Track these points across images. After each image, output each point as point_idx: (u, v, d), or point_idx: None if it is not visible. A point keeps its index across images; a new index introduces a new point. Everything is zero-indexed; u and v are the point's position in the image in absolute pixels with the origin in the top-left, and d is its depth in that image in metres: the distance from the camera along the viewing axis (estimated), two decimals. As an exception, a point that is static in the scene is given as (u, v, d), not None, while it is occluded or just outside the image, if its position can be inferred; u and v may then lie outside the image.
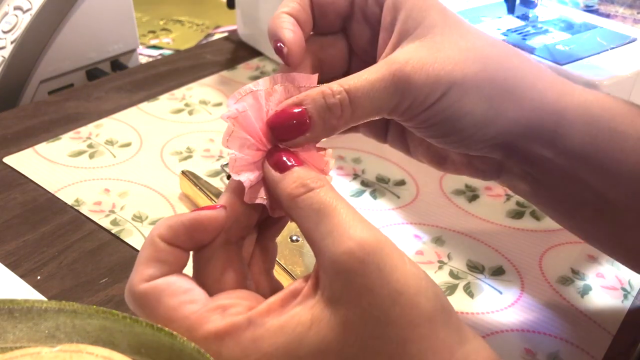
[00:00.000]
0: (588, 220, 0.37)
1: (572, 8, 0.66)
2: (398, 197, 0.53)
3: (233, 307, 0.27)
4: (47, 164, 0.55)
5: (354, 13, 0.35)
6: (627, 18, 0.72)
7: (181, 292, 0.27)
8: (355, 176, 0.56)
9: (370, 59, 0.35)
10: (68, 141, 0.58)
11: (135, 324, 0.26)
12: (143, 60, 0.83)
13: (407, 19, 0.32)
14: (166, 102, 0.66)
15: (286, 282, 0.40)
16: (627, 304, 0.44)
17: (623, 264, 0.40)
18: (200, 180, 0.50)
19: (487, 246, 0.48)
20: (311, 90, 0.30)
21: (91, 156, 0.56)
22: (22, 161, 0.55)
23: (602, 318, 0.42)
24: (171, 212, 0.50)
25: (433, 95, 0.31)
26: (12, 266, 0.44)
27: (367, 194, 0.53)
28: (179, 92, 0.68)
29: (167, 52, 0.87)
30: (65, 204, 0.50)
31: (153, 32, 0.93)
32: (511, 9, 0.61)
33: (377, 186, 0.54)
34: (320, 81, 0.31)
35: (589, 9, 0.72)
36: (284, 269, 0.41)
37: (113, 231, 0.47)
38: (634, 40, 0.55)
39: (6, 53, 0.65)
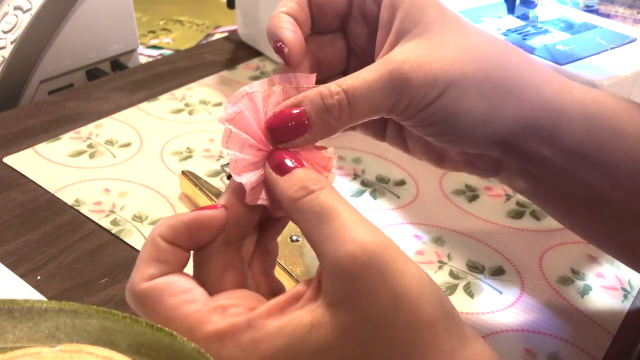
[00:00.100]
0: (587, 218, 0.37)
1: (572, 8, 0.66)
2: (398, 197, 0.53)
3: (233, 307, 0.27)
4: (47, 164, 0.55)
5: (352, 12, 0.35)
6: (627, 18, 0.72)
7: (181, 291, 0.27)
8: (355, 176, 0.56)
9: (368, 58, 0.35)
10: (68, 141, 0.58)
11: (135, 324, 0.25)
12: (143, 60, 0.83)
13: (405, 17, 0.32)
14: (166, 102, 0.66)
15: (286, 282, 0.40)
16: (627, 304, 0.44)
17: (622, 261, 0.40)
18: (200, 180, 0.50)
19: (487, 246, 0.48)
20: (309, 91, 0.30)
21: (91, 156, 0.56)
22: (22, 161, 0.55)
23: (602, 318, 0.42)
24: (171, 212, 0.50)
25: (431, 94, 0.31)
26: (12, 266, 0.43)
27: (367, 194, 0.53)
28: (179, 92, 0.68)
29: (167, 52, 0.87)
30: (65, 204, 0.50)
31: (153, 32, 0.93)
32: (511, 9, 0.61)
33: (377, 186, 0.54)
34: (319, 80, 0.31)
35: (589, 9, 0.72)
36: (284, 269, 0.41)
37: (113, 231, 0.47)
38: (634, 40, 0.55)
39: (6, 53, 0.65)
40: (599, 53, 0.53)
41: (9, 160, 0.55)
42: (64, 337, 0.26)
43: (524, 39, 0.56)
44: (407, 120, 0.33)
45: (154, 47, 0.89)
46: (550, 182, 0.35)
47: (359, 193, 0.54)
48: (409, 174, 0.56)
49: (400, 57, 0.31)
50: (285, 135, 0.30)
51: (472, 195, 0.54)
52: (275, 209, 0.31)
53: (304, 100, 0.30)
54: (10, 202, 0.50)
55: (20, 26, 0.65)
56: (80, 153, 0.57)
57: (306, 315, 0.26)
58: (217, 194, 0.48)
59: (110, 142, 0.58)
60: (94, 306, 0.26)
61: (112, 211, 0.49)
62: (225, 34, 0.88)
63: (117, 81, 0.70)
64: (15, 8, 0.66)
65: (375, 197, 0.53)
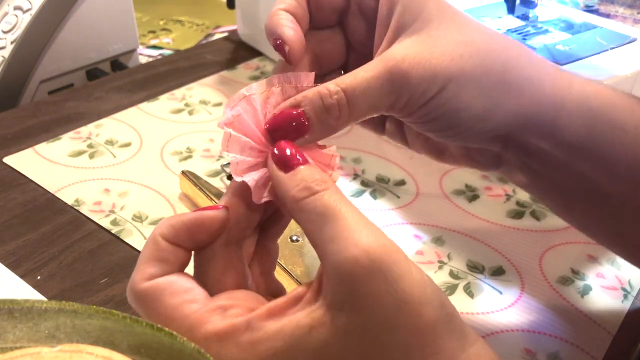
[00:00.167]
0: (586, 212, 0.36)
1: (572, 8, 0.66)
2: (398, 197, 0.53)
3: (233, 308, 0.27)
4: (47, 164, 0.55)
5: (350, 6, 0.35)
6: (627, 18, 0.72)
7: (182, 291, 0.27)
8: (355, 176, 0.56)
9: (367, 52, 0.35)
10: (68, 141, 0.58)
11: (135, 324, 0.25)
12: (143, 60, 0.83)
13: (403, 13, 0.32)
14: (166, 102, 0.66)
15: (286, 282, 0.40)
16: (627, 304, 0.44)
17: (621, 256, 0.40)
18: (200, 180, 0.50)
19: (487, 246, 0.48)
20: (308, 91, 0.30)
21: (91, 156, 0.56)
22: (22, 161, 0.55)
23: (602, 318, 0.42)
24: (171, 212, 0.50)
25: (430, 90, 0.31)
26: (12, 266, 0.43)
27: (367, 194, 0.53)
28: (179, 92, 0.68)
29: (167, 52, 0.87)
30: (65, 204, 0.50)
31: (153, 32, 0.93)
32: (511, 9, 0.61)
33: (377, 186, 0.54)
34: (319, 76, 0.31)
35: (589, 9, 0.72)
36: (284, 269, 0.41)
37: (113, 231, 0.47)
38: (634, 40, 0.55)
39: (6, 53, 0.65)
40: (599, 53, 0.53)
41: (9, 160, 0.55)
42: (64, 337, 0.26)
43: (524, 39, 0.56)
44: (407, 117, 0.33)
45: (154, 47, 0.89)
46: (550, 176, 0.35)
47: (359, 193, 0.54)
48: (409, 174, 0.56)
49: (399, 54, 0.30)
50: (286, 136, 0.30)
51: (472, 195, 0.54)
52: (282, 204, 0.30)
53: (303, 100, 0.30)
54: (10, 202, 0.50)
55: (20, 26, 0.65)
56: (80, 153, 0.57)
57: (306, 317, 0.26)
58: (217, 194, 0.48)
59: (110, 142, 0.58)
60: (94, 306, 0.26)
61: (112, 211, 0.49)
62: (225, 34, 0.88)
63: (117, 81, 0.70)
64: (15, 8, 0.66)
65: (375, 197, 0.53)
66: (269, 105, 0.30)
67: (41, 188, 0.52)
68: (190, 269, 0.30)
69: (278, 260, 0.34)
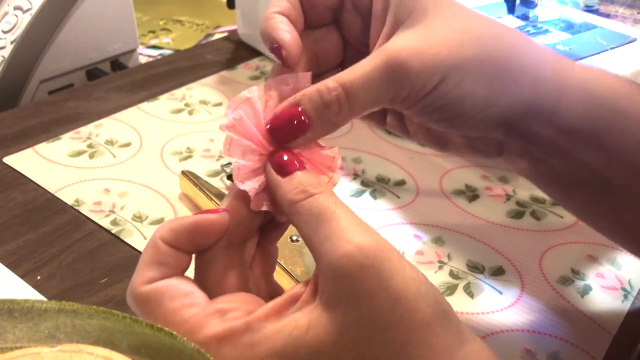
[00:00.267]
0: (587, 201, 0.36)
1: (572, 8, 0.66)
2: (398, 197, 0.53)
3: (232, 311, 0.27)
4: (47, 164, 0.55)
5: (344, 3, 0.35)
6: (627, 18, 0.72)
7: (182, 295, 0.27)
8: (355, 176, 0.56)
9: (364, 49, 0.35)
10: (68, 141, 0.58)
11: (135, 324, 0.26)
12: (143, 60, 0.83)
13: (399, 7, 0.32)
14: (166, 102, 0.66)
15: (286, 282, 0.40)
16: (627, 304, 0.44)
17: (622, 246, 0.40)
18: (200, 180, 0.50)
19: (487, 246, 0.48)
20: (307, 90, 0.30)
21: (91, 156, 0.56)
22: (22, 161, 0.55)
23: (602, 318, 0.42)
24: (171, 212, 0.50)
25: (432, 81, 0.31)
26: (12, 266, 0.43)
27: (367, 194, 0.53)
28: (179, 92, 0.68)
29: (167, 52, 0.87)
30: (65, 204, 0.50)
31: (153, 32, 0.93)
32: (511, 9, 0.61)
33: (377, 186, 0.54)
34: (317, 75, 0.31)
35: (589, 9, 0.72)
36: (284, 269, 0.41)
37: (113, 231, 0.47)
38: (634, 40, 0.56)
39: (6, 53, 0.65)
40: (599, 53, 0.53)
41: (9, 160, 0.55)
42: (64, 337, 0.26)
43: (524, 39, 0.56)
44: (409, 109, 0.32)
45: (154, 47, 0.89)
46: (552, 163, 0.35)
47: (359, 193, 0.54)
48: (409, 174, 0.56)
49: (397, 46, 0.30)
50: (287, 135, 0.30)
51: (472, 195, 0.54)
52: (279, 214, 0.31)
53: (302, 99, 0.30)
54: (10, 202, 0.50)
55: (20, 26, 0.65)
56: (80, 153, 0.57)
57: (303, 317, 0.26)
58: (217, 194, 0.48)
59: (110, 142, 0.58)
60: (94, 306, 0.26)
61: (112, 211, 0.49)
62: (225, 34, 0.88)
63: (117, 81, 0.70)
64: (15, 8, 0.66)
65: (375, 197, 0.53)
66: (267, 109, 0.30)
67: (41, 188, 0.52)
68: (190, 272, 0.30)
69: (278, 260, 0.34)
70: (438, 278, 0.45)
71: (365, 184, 0.55)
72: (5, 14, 0.66)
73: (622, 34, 0.57)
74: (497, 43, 0.32)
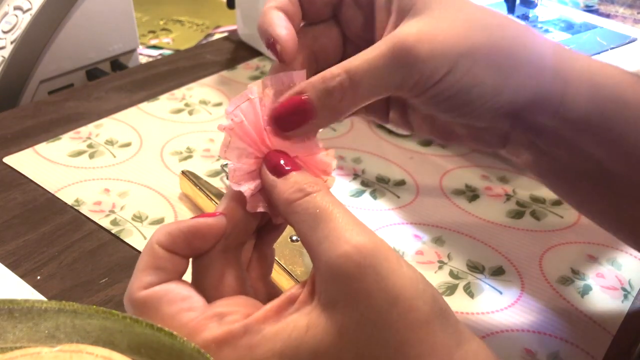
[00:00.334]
0: (589, 194, 0.36)
1: (572, 8, 0.66)
2: (398, 197, 0.53)
3: (230, 314, 0.27)
4: (47, 164, 0.55)
5: None
6: (627, 18, 0.72)
7: (179, 299, 0.27)
8: (355, 176, 0.56)
9: (365, 44, 0.35)
10: (68, 141, 0.58)
11: (135, 324, 0.26)
12: (143, 60, 0.83)
13: None
14: (166, 102, 0.66)
15: (286, 282, 0.40)
16: (627, 304, 0.44)
17: (622, 239, 0.40)
18: (200, 180, 0.50)
19: (487, 246, 0.48)
20: (312, 77, 0.30)
21: (91, 156, 0.56)
22: (22, 161, 0.55)
23: (602, 318, 0.42)
24: (171, 212, 0.50)
25: (441, 68, 0.30)
26: (12, 266, 0.43)
27: (367, 194, 0.53)
28: (179, 92, 0.68)
29: (167, 52, 0.87)
30: (65, 204, 0.50)
31: (153, 32, 0.93)
32: (511, 9, 0.61)
33: (377, 186, 0.54)
34: (318, 72, 0.31)
35: (589, 9, 0.72)
36: (284, 269, 0.41)
37: (113, 231, 0.47)
38: (634, 40, 0.56)
39: (6, 53, 0.65)
40: (599, 53, 0.53)
41: (9, 160, 0.55)
42: (64, 337, 0.26)
43: (524, 39, 0.56)
44: (418, 97, 0.32)
45: (154, 47, 0.89)
46: (556, 154, 0.35)
47: (359, 193, 0.54)
48: (409, 174, 0.56)
49: (404, 33, 0.30)
50: (292, 124, 0.30)
51: (472, 195, 0.54)
52: (275, 215, 0.31)
53: (306, 87, 0.30)
54: (10, 202, 0.50)
55: (20, 26, 0.65)
56: (80, 153, 0.57)
57: (302, 318, 0.26)
58: (217, 194, 0.48)
59: (110, 142, 0.58)
60: (94, 306, 0.26)
61: (112, 211, 0.49)
62: (225, 34, 0.88)
63: (117, 81, 0.70)
64: (15, 8, 0.66)
65: (375, 197, 0.53)
66: (263, 107, 0.30)
67: (41, 188, 0.52)
68: (188, 276, 0.30)
69: (278, 260, 0.34)
70: (438, 278, 0.45)
71: (365, 184, 0.55)
72: (5, 14, 0.66)
73: (622, 34, 0.57)
74: (503, 32, 0.32)
